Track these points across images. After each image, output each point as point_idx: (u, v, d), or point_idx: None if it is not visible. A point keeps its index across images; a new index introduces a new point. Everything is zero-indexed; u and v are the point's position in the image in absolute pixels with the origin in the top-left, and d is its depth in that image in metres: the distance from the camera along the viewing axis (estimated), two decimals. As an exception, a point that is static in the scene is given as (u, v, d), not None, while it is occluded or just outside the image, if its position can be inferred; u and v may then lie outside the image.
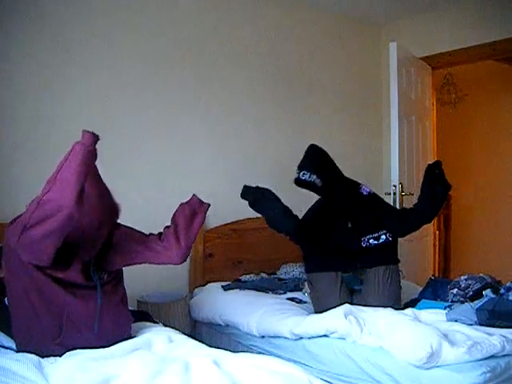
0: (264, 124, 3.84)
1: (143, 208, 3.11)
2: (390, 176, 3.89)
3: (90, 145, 1.77)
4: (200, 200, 2.22)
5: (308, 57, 4.12)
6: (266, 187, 2.82)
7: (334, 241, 2.76)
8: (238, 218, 3.54)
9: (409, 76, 4.05)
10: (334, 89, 4.27)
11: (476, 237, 5.51)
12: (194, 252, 3.36)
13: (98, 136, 1.79)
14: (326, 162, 2.82)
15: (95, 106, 3.06)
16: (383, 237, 2.74)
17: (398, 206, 3.81)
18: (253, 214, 3.54)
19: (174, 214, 2.20)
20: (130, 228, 2.17)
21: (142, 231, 2.19)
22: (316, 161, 2.78)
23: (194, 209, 2.19)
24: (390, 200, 3.84)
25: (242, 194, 2.81)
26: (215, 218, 3.46)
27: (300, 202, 2.93)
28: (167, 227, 2.17)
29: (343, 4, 4.08)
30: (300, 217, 2.83)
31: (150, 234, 2.18)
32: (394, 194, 3.82)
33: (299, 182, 2.75)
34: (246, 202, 3.47)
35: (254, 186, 2.81)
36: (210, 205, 2.23)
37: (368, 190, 2.88)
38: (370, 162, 4.52)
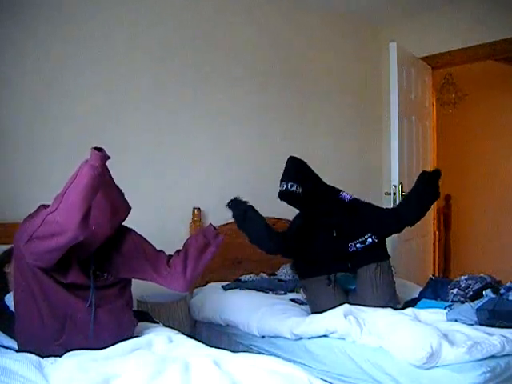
0: (263, 123, 3.84)
1: (141, 207, 3.10)
2: (390, 176, 3.89)
3: (99, 166, 1.72)
4: (216, 231, 2.17)
5: (308, 57, 4.12)
6: (250, 204, 2.76)
7: (321, 251, 2.77)
8: (237, 218, 3.54)
9: (409, 76, 4.05)
10: (334, 89, 4.27)
11: (476, 237, 5.51)
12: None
13: (108, 156, 1.75)
14: (305, 172, 2.82)
15: (94, 103, 3.05)
16: (369, 240, 2.73)
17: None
18: (253, 213, 3.55)
19: (186, 241, 2.18)
20: (143, 239, 2.16)
21: (154, 246, 2.18)
22: (297, 172, 2.78)
23: (209, 239, 2.14)
24: (389, 200, 3.84)
25: (229, 206, 2.74)
26: (215, 218, 3.46)
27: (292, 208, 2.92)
28: (178, 252, 2.14)
29: (343, 4, 4.08)
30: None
31: (161, 252, 2.16)
32: (394, 194, 3.82)
33: (285, 193, 2.73)
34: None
35: (242, 200, 2.74)
36: (223, 238, 2.18)
37: (349, 197, 2.87)
38: (370, 162, 4.52)
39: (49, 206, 2.01)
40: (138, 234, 2.17)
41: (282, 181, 2.75)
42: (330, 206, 2.81)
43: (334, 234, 2.77)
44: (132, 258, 2.08)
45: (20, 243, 1.84)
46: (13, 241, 1.96)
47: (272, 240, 2.71)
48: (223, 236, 2.17)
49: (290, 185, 2.70)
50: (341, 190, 2.91)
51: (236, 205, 2.71)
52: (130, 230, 2.16)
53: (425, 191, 2.77)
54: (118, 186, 2.04)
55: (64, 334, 1.90)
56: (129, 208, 2.08)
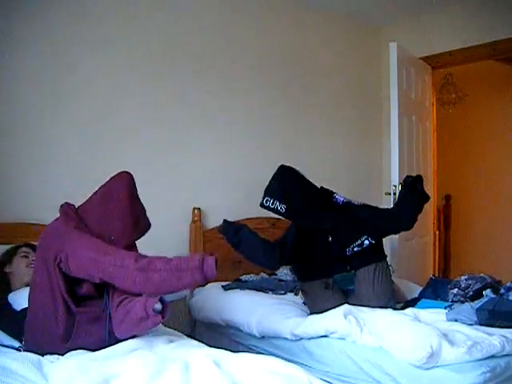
0: (263, 123, 3.84)
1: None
2: (390, 176, 3.89)
3: (208, 279, 1.80)
4: (159, 310, 1.81)
5: (308, 57, 4.12)
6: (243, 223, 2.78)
7: (319, 256, 2.76)
8: (237, 218, 3.54)
9: (409, 76, 4.05)
10: (334, 89, 4.27)
11: (476, 237, 5.51)
12: (193, 252, 3.36)
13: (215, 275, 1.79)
14: (292, 185, 2.77)
15: (93, 103, 3.05)
16: (366, 242, 2.73)
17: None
18: (252, 213, 3.55)
19: (133, 299, 1.88)
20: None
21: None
22: (282, 186, 2.75)
23: (148, 314, 1.79)
24: (390, 200, 3.84)
25: (220, 231, 2.72)
26: (215, 218, 3.46)
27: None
28: (128, 302, 1.94)
29: (343, 4, 4.08)
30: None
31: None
32: (394, 194, 3.82)
33: (265, 208, 2.76)
34: (246, 201, 3.46)
35: (233, 225, 2.71)
36: (165, 317, 1.84)
37: (342, 199, 2.85)
38: (370, 162, 4.52)
39: (72, 205, 2.08)
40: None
41: (264, 194, 2.75)
42: (323, 212, 2.79)
43: (330, 240, 2.76)
44: None
45: (68, 249, 1.86)
46: (42, 240, 1.99)
47: (270, 257, 2.68)
48: (165, 316, 1.82)
49: (265, 200, 2.73)
50: (334, 192, 2.89)
51: (227, 228, 2.68)
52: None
53: (412, 198, 2.76)
54: (142, 203, 2.11)
55: (71, 339, 1.91)
56: (149, 225, 2.11)
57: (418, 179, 2.80)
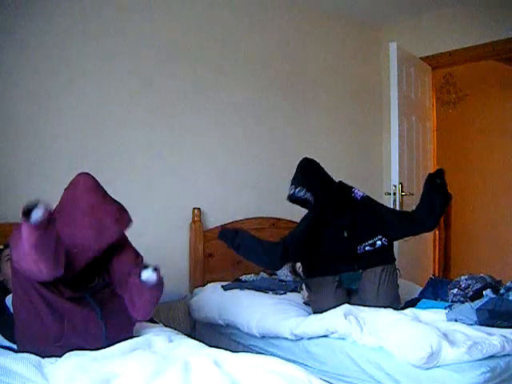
0: (263, 123, 3.84)
1: (142, 207, 3.11)
2: (390, 176, 3.90)
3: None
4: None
5: (308, 58, 4.12)
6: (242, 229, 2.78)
7: (329, 251, 2.74)
8: (237, 218, 3.54)
9: (409, 76, 4.05)
10: (334, 89, 4.27)
11: (476, 236, 5.51)
12: (193, 252, 3.36)
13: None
14: (318, 176, 2.78)
15: (95, 103, 3.06)
16: (379, 242, 2.72)
17: (398, 206, 3.81)
18: (252, 213, 3.56)
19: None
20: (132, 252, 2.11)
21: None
22: (310, 176, 2.75)
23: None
24: (390, 200, 3.84)
25: (220, 238, 2.73)
26: (215, 218, 3.46)
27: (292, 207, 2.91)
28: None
29: (343, 5, 4.08)
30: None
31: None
32: (394, 194, 3.83)
33: (294, 199, 2.71)
34: (246, 202, 3.46)
35: (231, 229, 2.74)
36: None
37: (361, 194, 2.82)
38: (370, 162, 4.52)
39: None
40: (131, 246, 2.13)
41: (291, 184, 2.73)
42: (341, 207, 2.77)
43: (345, 235, 2.74)
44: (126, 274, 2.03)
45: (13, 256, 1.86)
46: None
47: (271, 257, 2.66)
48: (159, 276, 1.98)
49: (297, 190, 2.69)
50: (353, 187, 2.87)
51: (225, 234, 2.70)
52: (131, 247, 2.12)
53: (436, 197, 2.73)
54: (114, 203, 2.00)
55: (63, 337, 1.89)
56: (125, 222, 2.00)
57: (438, 173, 2.77)
